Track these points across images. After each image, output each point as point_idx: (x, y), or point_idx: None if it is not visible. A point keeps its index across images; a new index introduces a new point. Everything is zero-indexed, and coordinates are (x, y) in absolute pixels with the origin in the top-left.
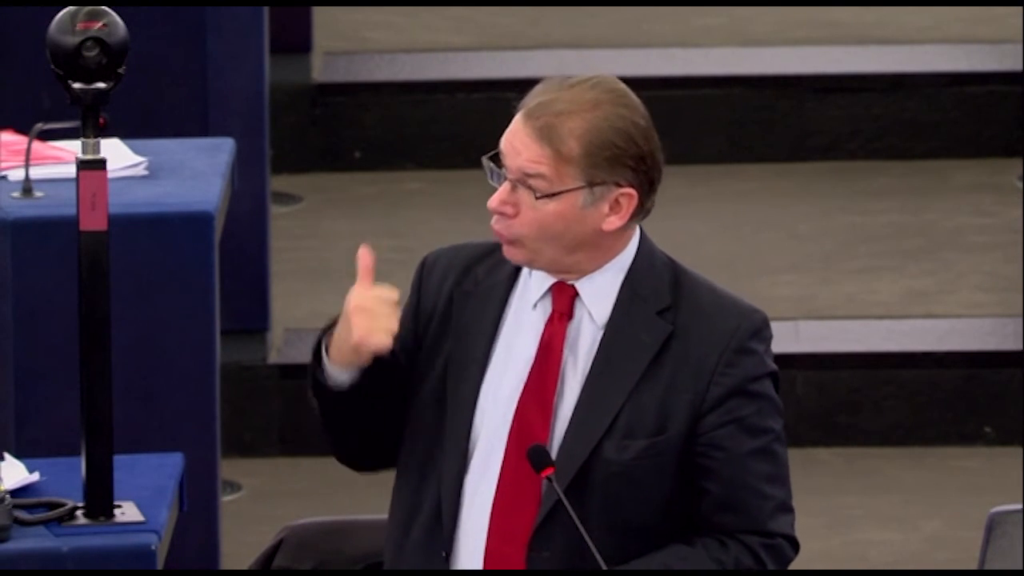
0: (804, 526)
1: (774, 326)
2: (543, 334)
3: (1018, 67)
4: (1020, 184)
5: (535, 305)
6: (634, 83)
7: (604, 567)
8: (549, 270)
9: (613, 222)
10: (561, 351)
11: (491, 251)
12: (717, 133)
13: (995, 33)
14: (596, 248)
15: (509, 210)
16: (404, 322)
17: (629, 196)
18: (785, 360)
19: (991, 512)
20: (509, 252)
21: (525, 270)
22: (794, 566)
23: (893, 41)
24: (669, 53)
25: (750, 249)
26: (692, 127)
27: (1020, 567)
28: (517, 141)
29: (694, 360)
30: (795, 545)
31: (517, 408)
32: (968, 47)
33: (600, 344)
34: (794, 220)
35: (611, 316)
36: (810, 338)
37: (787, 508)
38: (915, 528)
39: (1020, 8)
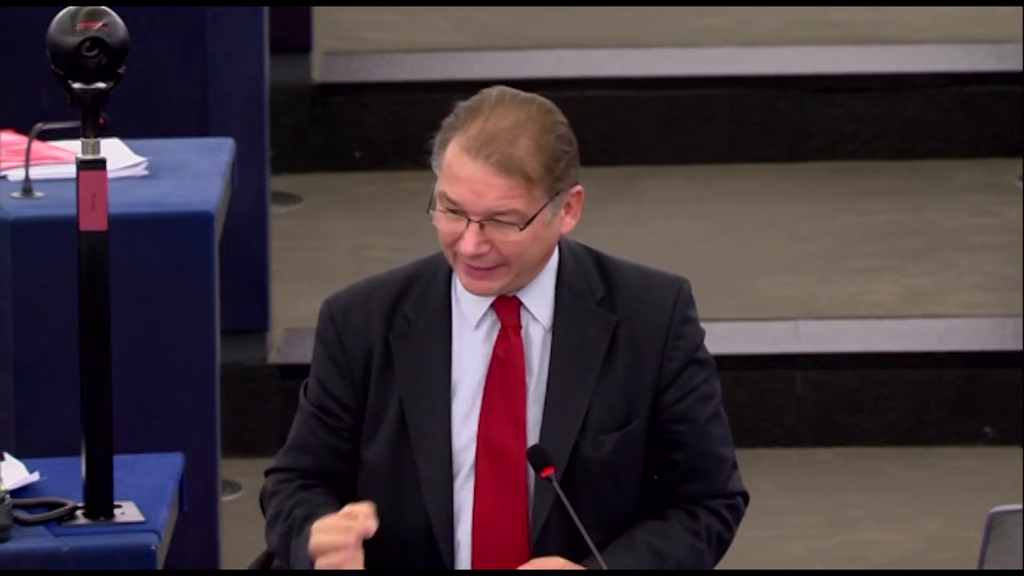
0: (804, 526)
1: (774, 326)
2: (496, 350)
3: (1018, 67)
4: (1020, 184)
5: (477, 325)
6: (634, 83)
7: (604, 566)
8: (512, 289)
9: (569, 223)
10: (523, 364)
11: (406, 287)
12: (717, 133)
13: (995, 33)
14: (549, 254)
15: (485, 248)
16: (333, 381)
17: (578, 194)
18: (785, 360)
19: (991, 512)
20: (482, 286)
21: (454, 295)
22: (794, 566)
23: (893, 41)
24: (669, 53)
25: (750, 249)
26: (692, 127)
27: (1020, 567)
28: (478, 184)
29: (643, 341)
30: (746, 498)
31: (480, 432)
32: (968, 47)
33: (551, 347)
34: (794, 220)
35: (554, 317)
36: (810, 338)
37: (736, 464)
38: (915, 528)
39: (1020, 8)
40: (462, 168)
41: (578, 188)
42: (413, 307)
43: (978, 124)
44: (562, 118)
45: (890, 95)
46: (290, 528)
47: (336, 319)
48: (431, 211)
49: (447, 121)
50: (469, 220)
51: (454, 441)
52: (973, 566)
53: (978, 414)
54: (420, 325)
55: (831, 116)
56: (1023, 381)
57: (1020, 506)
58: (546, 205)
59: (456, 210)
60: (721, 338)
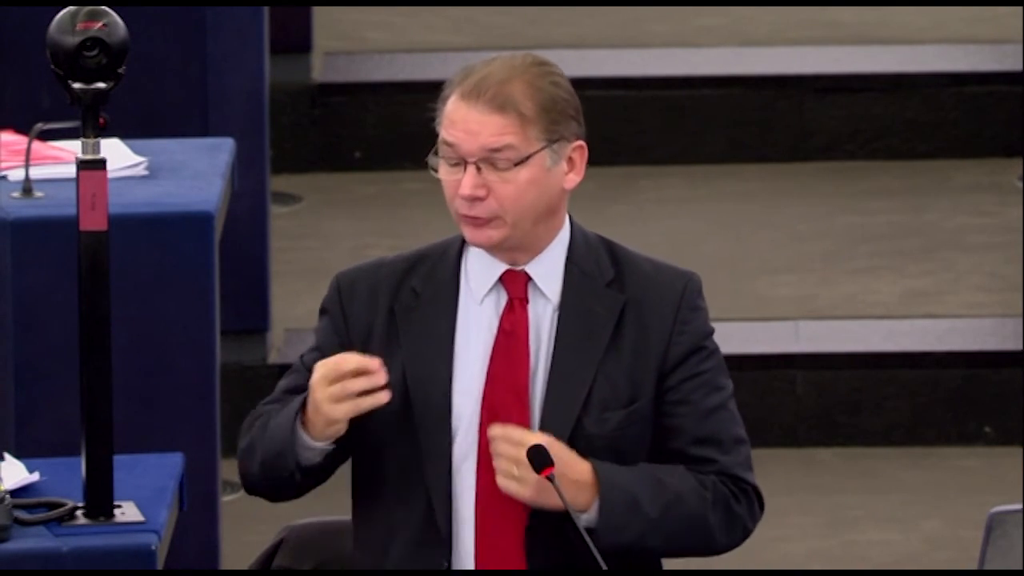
0: (804, 526)
1: (774, 326)
2: (502, 323)
3: (1018, 67)
4: (1020, 184)
5: (483, 300)
6: (634, 83)
7: (604, 567)
8: (514, 249)
9: (572, 179)
10: (527, 337)
11: (415, 264)
12: (717, 133)
13: (995, 33)
14: (554, 215)
15: (482, 192)
16: (333, 351)
17: (581, 149)
18: (785, 360)
19: (991, 512)
20: (482, 236)
21: (463, 271)
22: (794, 566)
23: (893, 41)
24: (669, 53)
25: (750, 249)
26: (692, 127)
27: (1020, 567)
28: (471, 123)
29: (651, 324)
30: (762, 503)
31: (484, 403)
32: (968, 47)
33: (558, 323)
34: (794, 220)
35: (562, 294)
36: (810, 338)
37: (751, 466)
38: (915, 528)
39: (1020, 8)
40: (457, 112)
41: (580, 143)
42: (422, 281)
43: (978, 124)
44: (559, 71)
45: (890, 95)
46: (270, 419)
47: (343, 291)
48: (431, 160)
49: (446, 83)
50: (466, 164)
51: (454, 413)
52: (973, 566)
53: (978, 414)
54: (427, 298)
55: (831, 116)
56: (1023, 381)
57: (1020, 506)
58: (544, 148)
59: (455, 157)
60: (721, 338)
